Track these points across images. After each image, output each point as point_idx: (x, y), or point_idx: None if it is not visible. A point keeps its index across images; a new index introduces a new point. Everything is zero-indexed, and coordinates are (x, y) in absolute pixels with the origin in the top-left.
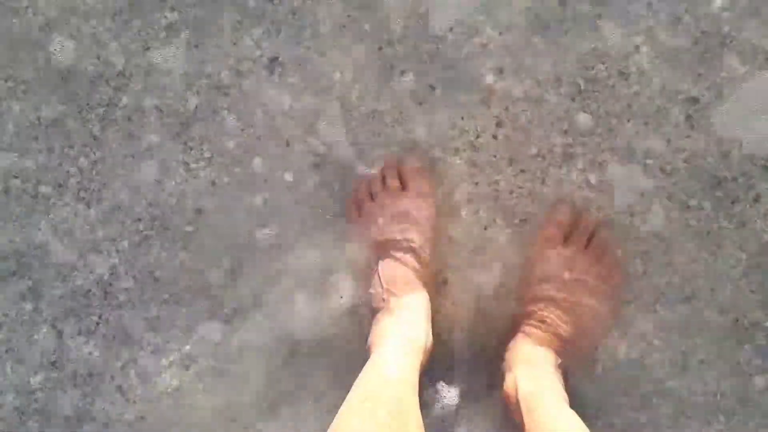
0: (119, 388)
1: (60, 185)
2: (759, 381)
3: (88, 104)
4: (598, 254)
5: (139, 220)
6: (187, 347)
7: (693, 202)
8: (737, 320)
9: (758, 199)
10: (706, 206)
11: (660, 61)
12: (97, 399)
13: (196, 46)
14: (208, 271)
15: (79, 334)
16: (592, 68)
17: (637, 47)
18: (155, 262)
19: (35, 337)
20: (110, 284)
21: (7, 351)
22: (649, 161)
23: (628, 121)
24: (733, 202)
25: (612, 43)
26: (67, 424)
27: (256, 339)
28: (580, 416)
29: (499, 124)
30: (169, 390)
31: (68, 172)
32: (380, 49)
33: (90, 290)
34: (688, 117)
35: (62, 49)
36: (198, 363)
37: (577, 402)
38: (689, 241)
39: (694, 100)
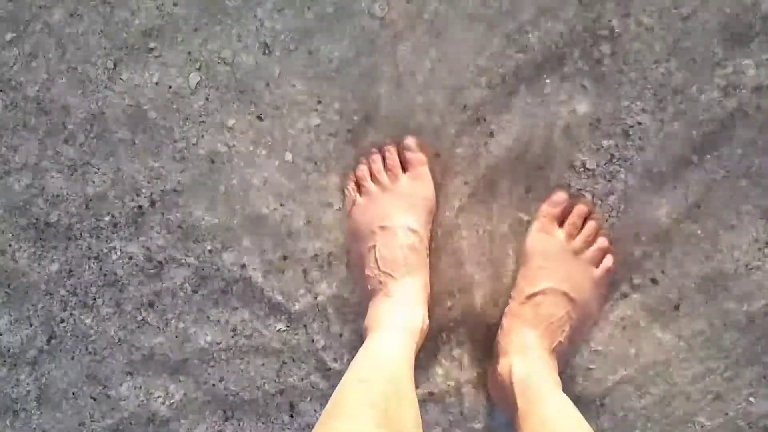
0: None
1: None
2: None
3: None
4: (592, 239)
5: None
6: None
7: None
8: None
9: None
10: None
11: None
12: None
13: None
14: None
15: None
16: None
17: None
18: None
19: None
20: None
21: None
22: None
23: (630, 104)
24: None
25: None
26: None
27: None
28: (572, 399)
29: (501, 109)
30: None
31: None
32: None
33: None
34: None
35: None
36: None
37: (568, 387)
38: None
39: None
